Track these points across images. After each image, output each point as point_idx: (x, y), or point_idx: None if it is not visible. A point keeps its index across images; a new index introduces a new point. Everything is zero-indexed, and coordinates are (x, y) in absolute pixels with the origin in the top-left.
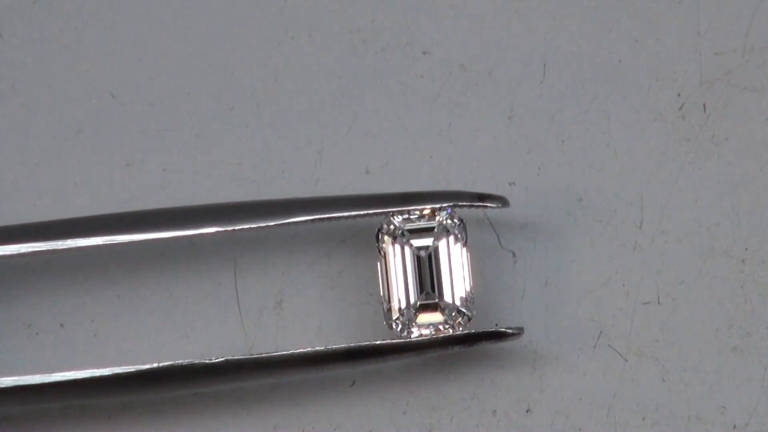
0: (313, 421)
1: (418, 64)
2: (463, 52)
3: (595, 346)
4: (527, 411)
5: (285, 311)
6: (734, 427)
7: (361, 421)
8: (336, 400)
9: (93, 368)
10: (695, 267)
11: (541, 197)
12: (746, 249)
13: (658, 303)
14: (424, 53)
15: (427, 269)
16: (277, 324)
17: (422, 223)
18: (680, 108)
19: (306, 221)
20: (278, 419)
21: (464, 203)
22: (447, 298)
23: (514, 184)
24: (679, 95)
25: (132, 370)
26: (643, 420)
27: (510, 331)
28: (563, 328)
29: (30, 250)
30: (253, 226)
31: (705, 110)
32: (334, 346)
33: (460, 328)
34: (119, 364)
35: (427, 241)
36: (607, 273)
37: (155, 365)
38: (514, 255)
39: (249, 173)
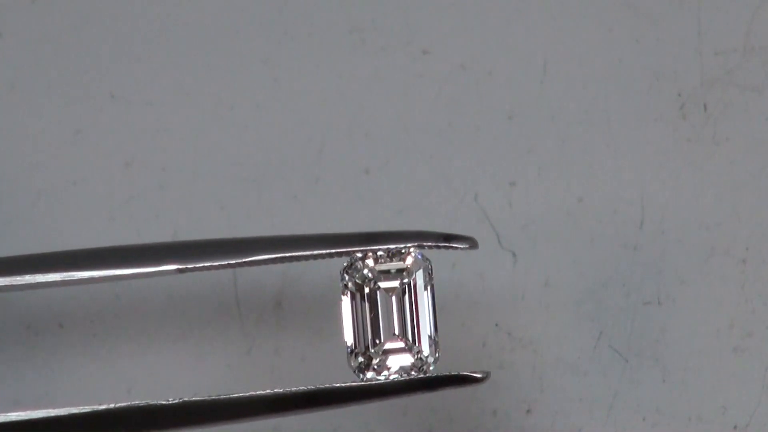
0: (313, 421)
1: (418, 64)
2: (463, 52)
3: (595, 347)
4: (527, 411)
5: (285, 311)
6: (735, 427)
7: (361, 421)
8: None
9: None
10: (696, 267)
11: (541, 197)
12: (747, 249)
13: (659, 303)
14: (424, 53)
15: (389, 310)
16: (277, 324)
17: (388, 264)
18: (681, 108)
19: (267, 260)
20: (278, 419)
21: (429, 244)
22: (411, 340)
23: (514, 184)
24: (679, 95)
25: (87, 410)
26: (644, 420)
27: (475, 375)
28: (563, 328)
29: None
30: (213, 264)
31: (705, 110)
32: (293, 390)
33: (428, 369)
34: (119, 364)
35: (391, 282)
36: (607, 273)
37: (105, 407)
38: (514, 255)
39: (249, 173)
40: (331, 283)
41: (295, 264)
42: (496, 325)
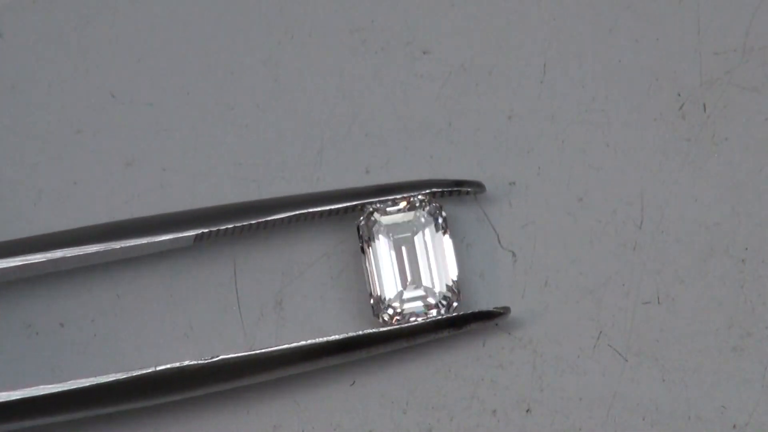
0: (313, 421)
1: (418, 64)
2: (463, 52)
3: (595, 346)
4: (527, 411)
5: (285, 311)
6: (734, 426)
7: (361, 421)
8: (336, 399)
9: (88, 377)
10: (695, 267)
11: (541, 197)
12: (746, 249)
13: (658, 303)
14: (424, 53)
15: (409, 259)
16: (277, 324)
17: (401, 215)
18: (680, 108)
19: (285, 218)
20: (278, 419)
21: (440, 189)
22: (432, 285)
23: (514, 184)
24: (679, 95)
25: (129, 376)
26: (643, 420)
27: (497, 310)
28: (563, 328)
29: (26, 262)
30: (229, 226)
31: (705, 110)
32: (326, 338)
33: (451, 312)
34: (119, 365)
35: (408, 231)
36: (607, 273)
37: (147, 371)
38: (514, 255)
39: (249, 173)
40: (331, 283)
41: (295, 264)
42: (496, 324)
